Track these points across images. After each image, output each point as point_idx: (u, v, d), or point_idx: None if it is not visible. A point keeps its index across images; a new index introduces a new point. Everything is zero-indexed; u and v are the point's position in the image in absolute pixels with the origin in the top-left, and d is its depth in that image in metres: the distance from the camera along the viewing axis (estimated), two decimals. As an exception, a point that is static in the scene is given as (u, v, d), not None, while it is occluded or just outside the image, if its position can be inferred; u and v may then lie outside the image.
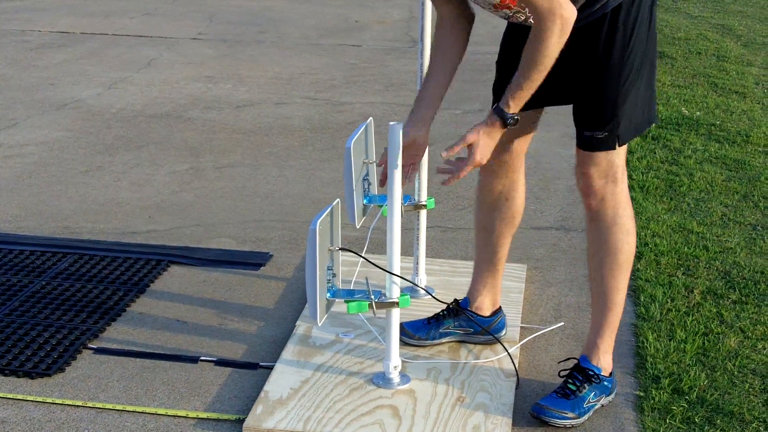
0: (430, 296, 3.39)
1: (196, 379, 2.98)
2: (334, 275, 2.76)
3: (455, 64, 2.85)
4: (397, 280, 2.77)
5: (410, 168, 2.86)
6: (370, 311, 2.75)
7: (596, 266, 2.83)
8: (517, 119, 2.61)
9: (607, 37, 2.61)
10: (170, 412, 2.79)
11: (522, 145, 2.98)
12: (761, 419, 2.80)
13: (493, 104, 2.87)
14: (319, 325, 2.72)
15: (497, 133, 2.64)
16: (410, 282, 3.13)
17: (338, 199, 2.81)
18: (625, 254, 2.79)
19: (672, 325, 3.32)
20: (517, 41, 2.85)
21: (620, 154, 2.73)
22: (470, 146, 2.63)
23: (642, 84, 2.70)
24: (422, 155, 2.88)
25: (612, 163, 2.72)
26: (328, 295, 2.72)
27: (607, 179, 2.73)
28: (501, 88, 2.93)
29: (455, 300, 3.16)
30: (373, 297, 2.75)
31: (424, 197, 3.39)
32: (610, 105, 2.66)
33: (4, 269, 3.69)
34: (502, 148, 2.94)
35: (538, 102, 2.88)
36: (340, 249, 2.76)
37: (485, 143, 2.63)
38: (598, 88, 2.65)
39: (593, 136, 2.70)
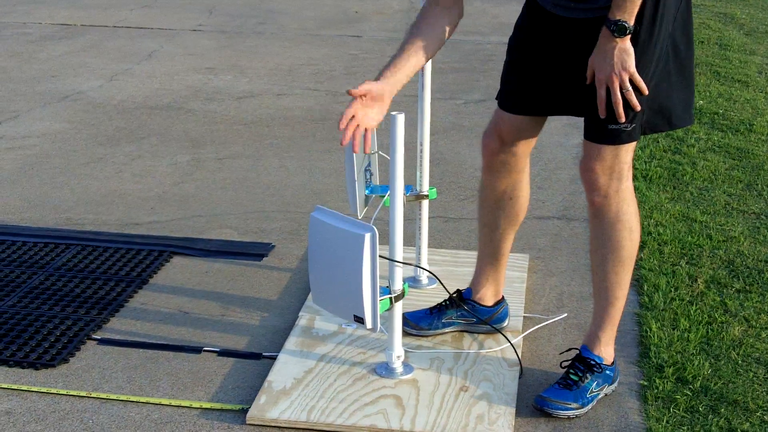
0: (432, 286, 3.40)
1: (199, 369, 2.98)
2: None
3: (439, 45, 2.75)
4: (399, 270, 2.77)
5: (366, 131, 2.59)
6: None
7: (599, 262, 2.79)
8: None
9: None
10: (174, 402, 2.79)
11: (526, 148, 2.93)
12: (765, 408, 2.80)
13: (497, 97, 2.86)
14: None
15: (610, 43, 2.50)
16: (418, 266, 3.14)
17: None
18: (628, 251, 2.75)
19: (676, 315, 3.31)
20: (533, 31, 2.80)
21: (628, 150, 2.64)
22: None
23: (673, 77, 2.59)
24: (376, 116, 2.63)
25: (619, 159, 2.64)
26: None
27: (611, 176, 2.66)
28: (513, 69, 2.87)
29: (457, 290, 3.15)
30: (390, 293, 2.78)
31: (426, 187, 3.39)
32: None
33: (7, 261, 3.69)
34: (506, 150, 2.92)
35: (556, 109, 2.84)
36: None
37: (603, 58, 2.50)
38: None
39: (621, 129, 2.59)
